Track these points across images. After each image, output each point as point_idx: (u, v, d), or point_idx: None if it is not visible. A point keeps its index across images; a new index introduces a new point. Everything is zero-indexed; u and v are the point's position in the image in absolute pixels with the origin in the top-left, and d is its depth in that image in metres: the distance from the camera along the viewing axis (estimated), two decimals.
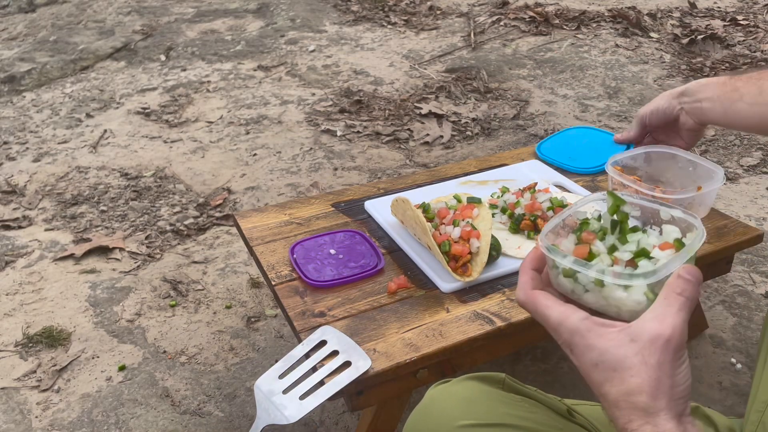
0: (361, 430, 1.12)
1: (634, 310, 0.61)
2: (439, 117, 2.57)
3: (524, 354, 1.47)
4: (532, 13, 3.54)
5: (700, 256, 1.14)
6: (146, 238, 1.91)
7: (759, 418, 0.80)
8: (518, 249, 1.18)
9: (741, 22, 3.38)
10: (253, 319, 1.60)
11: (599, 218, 0.67)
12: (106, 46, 3.35)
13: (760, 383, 0.84)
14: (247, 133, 2.51)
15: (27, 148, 2.44)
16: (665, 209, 0.67)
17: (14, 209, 2.07)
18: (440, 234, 1.12)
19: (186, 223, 1.97)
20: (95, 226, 1.97)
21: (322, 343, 0.98)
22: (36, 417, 1.36)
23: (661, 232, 0.67)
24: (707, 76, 2.85)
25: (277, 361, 0.97)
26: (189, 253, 1.85)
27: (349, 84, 2.87)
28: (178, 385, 1.42)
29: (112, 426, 1.33)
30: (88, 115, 2.69)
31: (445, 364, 1.03)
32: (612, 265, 0.63)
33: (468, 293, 1.10)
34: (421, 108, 2.62)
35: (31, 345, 1.54)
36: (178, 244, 1.89)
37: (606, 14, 3.55)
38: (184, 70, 3.09)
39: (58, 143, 2.47)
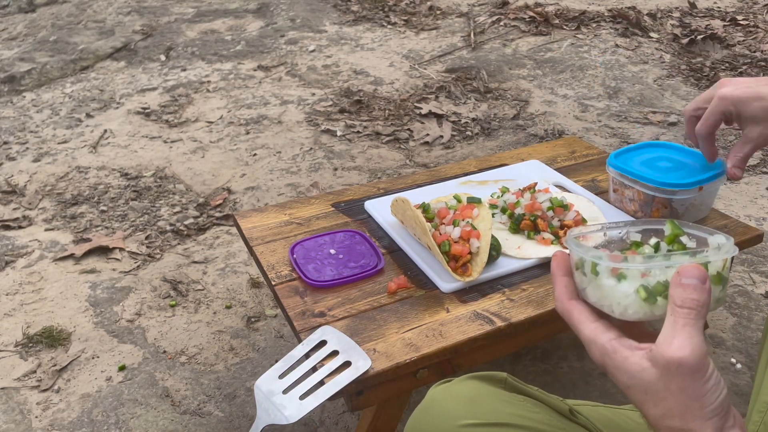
0: (361, 430, 1.12)
1: (621, 304, 0.59)
2: (439, 117, 2.57)
3: (524, 354, 1.46)
4: (532, 13, 3.54)
5: None
6: (146, 238, 1.91)
7: (761, 418, 0.80)
8: (518, 249, 1.18)
9: (741, 22, 3.38)
10: (253, 319, 1.60)
11: (657, 246, 0.63)
12: (106, 46, 3.35)
13: (761, 384, 0.84)
14: (247, 133, 2.51)
15: (27, 148, 2.44)
16: (714, 237, 0.63)
17: (14, 209, 2.07)
18: (440, 234, 1.12)
19: (186, 223, 1.97)
20: (95, 226, 1.97)
21: (322, 343, 0.98)
22: (36, 417, 1.36)
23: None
24: (707, 76, 2.85)
25: (277, 361, 0.97)
26: (189, 253, 1.85)
27: (349, 84, 2.87)
28: (178, 385, 1.42)
29: (112, 426, 1.33)
30: (88, 115, 2.69)
31: (445, 364, 1.03)
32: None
33: (468, 293, 1.10)
34: (421, 108, 2.62)
35: (31, 345, 1.54)
36: (178, 244, 1.89)
37: (606, 14, 3.55)
38: (184, 70, 3.09)
39: (58, 143, 2.47)
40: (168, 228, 1.95)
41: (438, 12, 3.74)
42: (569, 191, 1.37)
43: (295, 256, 1.18)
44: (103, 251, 1.86)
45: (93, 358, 1.50)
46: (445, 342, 1.00)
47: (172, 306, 1.65)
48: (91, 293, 1.70)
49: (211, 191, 2.14)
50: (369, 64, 3.08)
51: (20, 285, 1.74)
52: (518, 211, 1.23)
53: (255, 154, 2.35)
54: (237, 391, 1.40)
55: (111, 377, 1.45)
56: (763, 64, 2.94)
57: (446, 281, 1.10)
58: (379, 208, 1.32)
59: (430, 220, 1.17)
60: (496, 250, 1.13)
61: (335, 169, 2.24)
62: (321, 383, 0.93)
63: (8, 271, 1.80)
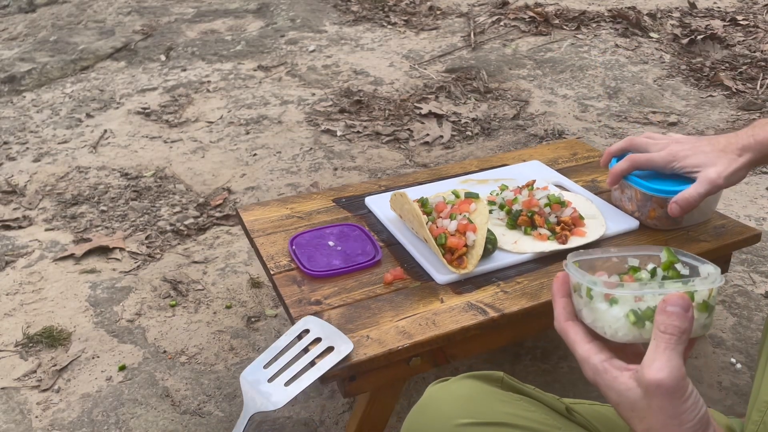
0: (354, 419, 1.13)
1: (612, 326, 0.63)
2: (439, 117, 2.57)
3: (524, 354, 1.47)
4: (532, 13, 3.54)
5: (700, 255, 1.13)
6: (146, 238, 1.91)
7: (761, 417, 0.80)
8: (515, 244, 1.18)
9: (741, 22, 3.38)
10: (253, 319, 1.60)
11: (653, 271, 0.67)
12: (106, 46, 3.35)
13: (761, 383, 0.84)
14: (247, 133, 2.51)
15: (27, 148, 2.44)
16: (704, 266, 0.67)
17: (14, 209, 2.07)
18: (437, 227, 1.13)
19: (186, 223, 1.97)
20: (95, 226, 1.97)
21: (305, 332, 1.00)
22: (36, 417, 1.36)
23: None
24: (707, 76, 2.85)
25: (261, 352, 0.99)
26: (189, 253, 1.85)
27: (349, 84, 2.87)
28: (178, 385, 1.42)
29: (112, 426, 1.33)
30: (88, 115, 2.69)
31: (438, 352, 1.04)
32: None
33: (463, 285, 1.11)
34: (421, 108, 2.62)
35: (31, 345, 1.54)
36: (178, 244, 1.89)
37: (606, 14, 3.55)
38: (184, 70, 3.09)
39: (58, 143, 2.47)
40: (168, 228, 1.95)
41: (438, 12, 3.74)
42: (568, 191, 1.38)
43: (294, 247, 1.20)
44: (103, 251, 1.86)
45: (93, 358, 1.50)
46: (438, 330, 1.01)
47: (172, 306, 1.66)
48: (91, 293, 1.70)
49: (211, 191, 2.14)
50: (369, 64, 3.08)
51: (20, 285, 1.74)
52: (516, 207, 1.24)
53: (255, 154, 2.35)
54: (237, 391, 1.40)
55: (111, 377, 1.45)
56: (763, 64, 2.94)
57: (442, 273, 1.11)
58: (380, 204, 1.33)
59: (428, 214, 1.18)
60: (492, 244, 1.14)
61: (335, 169, 2.24)
62: (305, 370, 0.95)
63: (8, 271, 1.80)
